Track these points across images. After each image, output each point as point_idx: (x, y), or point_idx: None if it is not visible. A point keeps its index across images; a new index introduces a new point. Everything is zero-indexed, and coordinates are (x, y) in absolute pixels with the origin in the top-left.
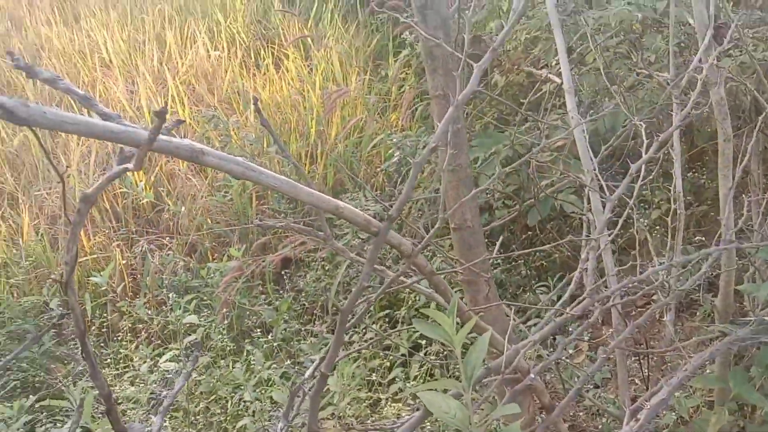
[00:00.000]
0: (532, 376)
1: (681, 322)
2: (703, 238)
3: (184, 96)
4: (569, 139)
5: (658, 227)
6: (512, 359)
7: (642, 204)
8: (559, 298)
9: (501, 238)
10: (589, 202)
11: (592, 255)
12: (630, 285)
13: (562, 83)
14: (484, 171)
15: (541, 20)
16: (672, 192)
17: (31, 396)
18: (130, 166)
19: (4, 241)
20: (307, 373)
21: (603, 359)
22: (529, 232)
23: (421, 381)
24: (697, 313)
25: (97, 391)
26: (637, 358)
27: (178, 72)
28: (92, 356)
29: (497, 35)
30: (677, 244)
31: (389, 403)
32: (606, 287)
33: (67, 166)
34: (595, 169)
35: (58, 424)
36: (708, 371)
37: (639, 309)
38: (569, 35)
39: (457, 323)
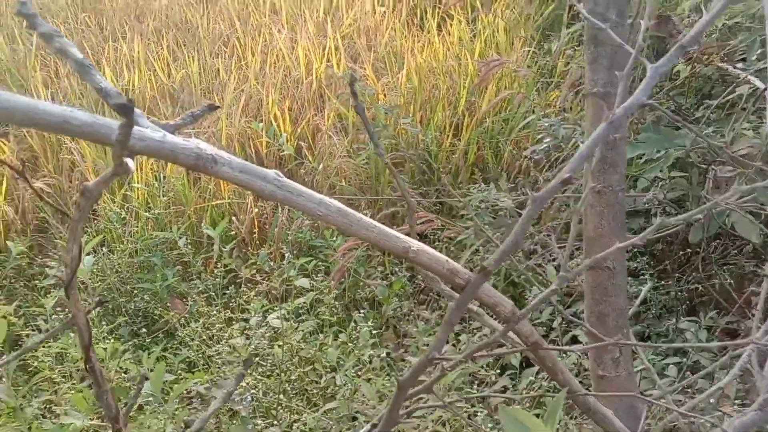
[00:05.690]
0: None
1: None
2: None
3: (342, 51)
4: (760, 150)
5: None
6: None
7: None
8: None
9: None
10: None
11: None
12: None
13: (765, 88)
14: (645, 174)
15: (750, 6)
16: None
17: (144, 330)
18: (131, 168)
19: (152, 171)
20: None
21: None
22: (688, 249)
23: None
24: None
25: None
26: None
27: (342, 25)
28: (98, 373)
29: (690, 17)
30: None
31: None
32: None
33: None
34: None
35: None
36: None
37: None
38: None
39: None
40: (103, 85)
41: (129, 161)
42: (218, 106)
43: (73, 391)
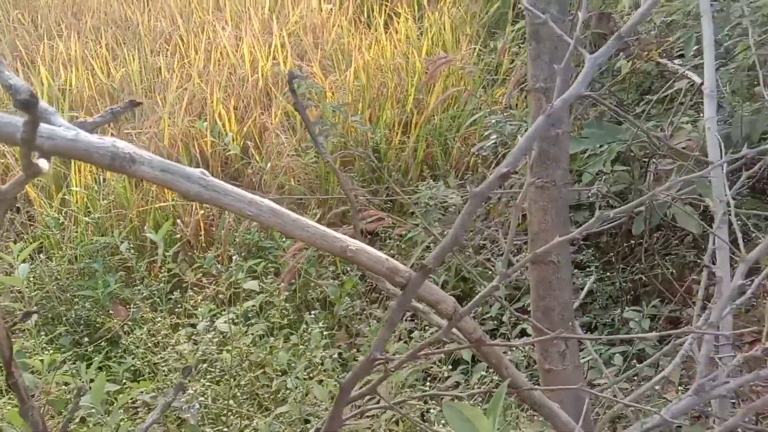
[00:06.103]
0: None
1: None
2: None
3: (289, 49)
4: (697, 144)
5: None
6: None
7: None
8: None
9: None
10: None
11: (705, 349)
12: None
13: (702, 83)
14: (589, 168)
15: (686, 3)
16: None
17: (86, 339)
18: (42, 169)
19: (91, 173)
20: None
21: None
22: (632, 241)
23: None
24: None
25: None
26: None
27: (288, 22)
28: (22, 388)
29: (630, 14)
30: None
31: None
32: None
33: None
34: (728, 208)
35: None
36: None
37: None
38: (716, 26)
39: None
40: (12, 82)
41: (41, 161)
42: (140, 103)
43: (9, 407)
